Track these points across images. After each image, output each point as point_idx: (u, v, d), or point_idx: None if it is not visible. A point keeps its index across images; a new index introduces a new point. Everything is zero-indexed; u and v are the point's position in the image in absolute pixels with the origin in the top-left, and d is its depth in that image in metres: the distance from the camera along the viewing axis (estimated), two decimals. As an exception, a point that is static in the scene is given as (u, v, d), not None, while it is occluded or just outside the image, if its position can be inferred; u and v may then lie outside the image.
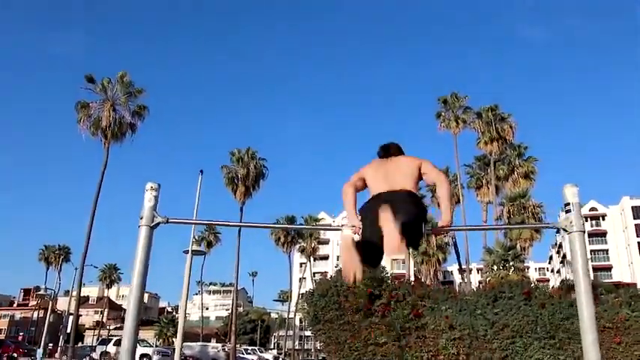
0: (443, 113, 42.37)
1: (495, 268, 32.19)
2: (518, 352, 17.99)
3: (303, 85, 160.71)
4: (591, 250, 73.83)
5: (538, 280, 63.77)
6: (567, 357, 17.65)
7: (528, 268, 77.43)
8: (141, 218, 2.59)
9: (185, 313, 12.29)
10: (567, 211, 2.47)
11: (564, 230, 2.48)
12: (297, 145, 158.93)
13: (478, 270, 59.72)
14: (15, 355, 27.47)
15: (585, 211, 77.46)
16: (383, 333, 18.71)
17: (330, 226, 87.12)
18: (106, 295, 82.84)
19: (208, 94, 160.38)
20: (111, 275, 75.72)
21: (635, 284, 27.61)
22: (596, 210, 78.00)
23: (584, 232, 2.46)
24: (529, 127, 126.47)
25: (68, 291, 76.03)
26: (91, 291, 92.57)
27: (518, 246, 36.02)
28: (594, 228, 76.96)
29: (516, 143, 42.70)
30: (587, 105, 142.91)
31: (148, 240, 2.58)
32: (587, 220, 77.35)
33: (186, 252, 12.56)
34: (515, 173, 41.46)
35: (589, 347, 2.32)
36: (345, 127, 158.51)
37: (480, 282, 45.26)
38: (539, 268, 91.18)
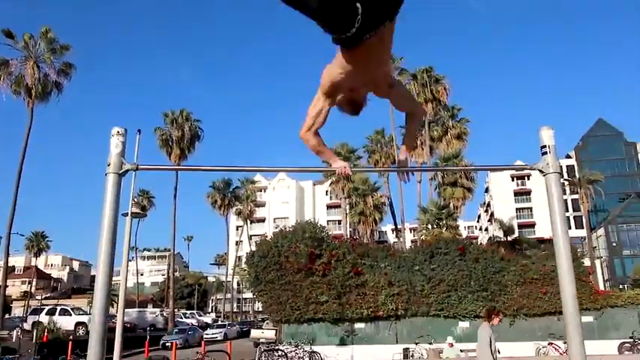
0: (379, 75, 42.58)
1: (430, 226, 33.29)
2: (454, 304, 18.88)
3: (235, 44, 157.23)
4: (517, 209, 77.60)
5: (468, 238, 66.66)
6: (498, 307, 18.69)
7: (458, 226, 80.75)
8: (108, 165, 2.41)
9: (126, 279, 11.97)
10: (544, 153, 2.52)
11: (540, 172, 2.53)
12: (233, 107, 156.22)
13: (411, 229, 61.60)
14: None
15: (512, 171, 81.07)
16: (324, 292, 19.13)
17: (266, 189, 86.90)
18: (33, 264, 79.59)
19: (139, 54, 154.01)
20: (38, 243, 72.57)
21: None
22: (522, 169, 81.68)
23: (560, 173, 2.52)
24: (462, 89, 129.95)
25: (-8, 261, 72.65)
26: (17, 260, 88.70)
27: (451, 205, 37.36)
28: (520, 187, 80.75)
29: (450, 105, 43.79)
30: (515, 67, 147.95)
31: (117, 188, 2.41)
32: (512, 180, 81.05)
33: (126, 214, 12.14)
34: (449, 134, 42.63)
35: (566, 286, 2.39)
36: (281, 91, 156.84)
37: (413, 241, 46.74)
38: (468, 226, 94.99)
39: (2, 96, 35.42)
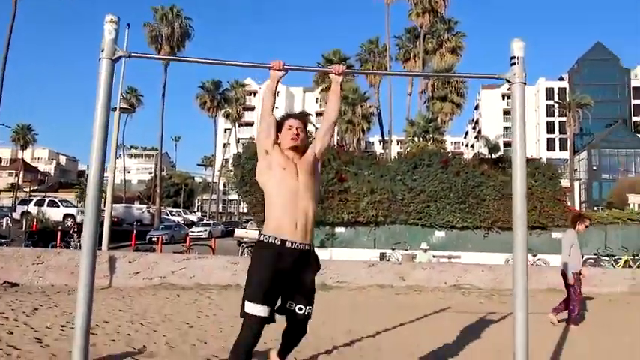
0: (377, -19, 41.20)
1: (416, 139, 33.60)
2: (432, 214, 19.60)
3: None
4: (504, 127, 77.95)
5: (453, 153, 67.32)
6: (474, 220, 19.47)
7: (445, 141, 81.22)
8: (102, 51, 2.53)
9: (114, 175, 12.25)
10: (513, 64, 2.67)
11: (507, 81, 2.69)
12: (225, 6, 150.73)
13: (399, 142, 62.05)
14: None
15: (504, 89, 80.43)
16: (308, 195, 19.70)
17: (256, 92, 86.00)
18: (20, 157, 79.60)
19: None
20: (25, 136, 72.23)
21: (540, 159, 29.85)
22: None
23: (525, 83, 2.69)
24: (461, 2, 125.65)
25: (-23, 151, 72.46)
26: (3, 152, 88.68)
27: (439, 119, 37.50)
28: (510, 106, 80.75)
29: (447, 17, 42.70)
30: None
31: (110, 74, 2.54)
32: (503, 98, 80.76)
33: (114, 109, 12.18)
34: (443, 48, 41.92)
35: (518, 190, 2.63)
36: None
37: (400, 153, 47.25)
38: (455, 142, 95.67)
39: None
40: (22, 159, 78.59)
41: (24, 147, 74.56)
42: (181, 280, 10.52)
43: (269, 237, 2.99)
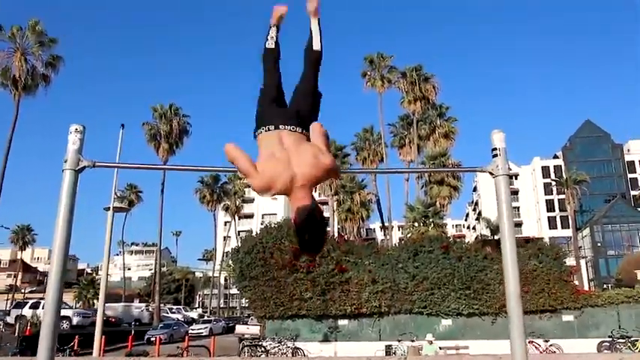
0: (369, 72, 42.74)
1: (416, 224, 33.45)
2: (437, 302, 19.01)
3: (222, 41, 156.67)
4: (504, 208, 78.20)
5: (455, 236, 66.99)
6: (481, 306, 18.86)
7: (446, 224, 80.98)
8: (65, 161, 2.43)
9: (107, 273, 11.96)
10: (494, 156, 2.57)
11: (490, 174, 2.58)
12: (221, 104, 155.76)
13: (400, 227, 61.78)
14: None
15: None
16: (308, 288, 19.20)
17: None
18: (19, 257, 78.94)
19: (128, 46, 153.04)
20: (24, 237, 72.00)
21: (542, 238, 29.55)
22: (510, 170, 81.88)
23: (509, 175, 2.58)
24: (451, 88, 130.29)
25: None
26: (2, 254, 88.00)
27: (437, 203, 37.53)
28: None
29: (438, 103, 43.93)
30: (504, 69, 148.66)
31: (73, 185, 2.43)
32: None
33: (108, 209, 12.10)
34: (437, 133, 42.77)
35: (511, 281, 2.45)
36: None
37: (401, 238, 46.93)
38: (456, 225, 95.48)
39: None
40: (22, 259, 77.87)
41: (23, 247, 74.10)
42: (175, 387, 9.98)
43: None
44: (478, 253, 19.71)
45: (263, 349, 17.76)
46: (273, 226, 21.46)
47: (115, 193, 12.74)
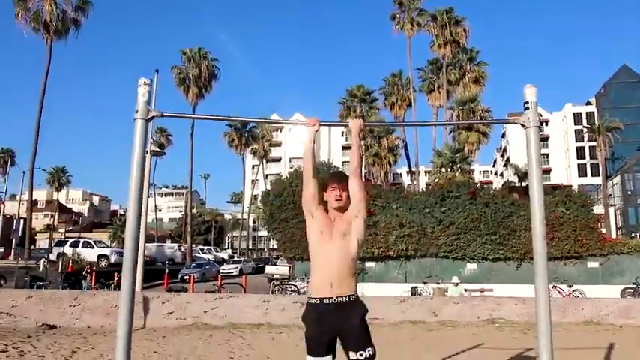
0: (398, 15, 41.85)
1: (443, 170, 33.48)
2: (462, 247, 19.38)
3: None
4: (533, 154, 77.17)
5: (482, 182, 66.71)
6: (506, 251, 19.17)
7: (473, 170, 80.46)
8: (136, 112, 2.73)
9: (146, 215, 12.58)
10: (526, 109, 2.76)
11: (522, 126, 2.78)
12: (251, 48, 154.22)
13: (426, 173, 61.79)
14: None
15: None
16: (336, 231, 19.72)
17: (282, 129, 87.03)
18: (55, 198, 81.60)
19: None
20: (59, 178, 74.16)
21: (570, 186, 29.38)
22: (541, 116, 79.28)
23: (539, 127, 2.77)
24: (481, 31, 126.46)
25: (16, 195, 74.49)
26: (39, 195, 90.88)
27: (465, 149, 37.36)
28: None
29: (469, 47, 42.96)
30: (536, 11, 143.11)
31: (144, 133, 2.74)
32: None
33: (145, 152, 12.59)
34: (466, 78, 42.04)
35: (537, 229, 2.69)
36: (297, 31, 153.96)
37: (427, 184, 47.02)
38: (484, 171, 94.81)
39: (23, 32, 35.58)
40: (57, 200, 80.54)
41: (59, 189, 76.46)
42: (214, 320, 10.62)
43: (311, 299, 3.32)
44: (505, 199, 19.84)
45: (294, 287, 18.47)
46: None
47: (152, 138, 13.18)
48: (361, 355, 3.23)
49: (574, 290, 17.47)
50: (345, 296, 3.26)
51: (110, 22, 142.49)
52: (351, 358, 3.25)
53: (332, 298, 3.22)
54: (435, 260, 19.53)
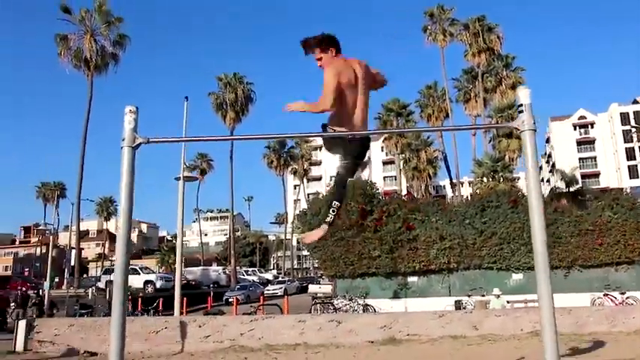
0: (429, 27, 41.66)
1: (485, 179, 32.83)
2: (506, 257, 18.84)
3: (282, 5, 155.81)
4: (580, 158, 74.79)
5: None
6: (552, 260, 18.45)
7: (518, 178, 78.54)
8: (123, 140, 2.75)
9: (182, 236, 12.75)
10: (520, 112, 2.65)
11: (516, 129, 2.67)
12: (285, 70, 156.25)
13: (470, 183, 60.69)
14: (23, 288, 28.38)
15: (574, 119, 77.63)
16: (376, 247, 19.50)
17: (321, 147, 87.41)
18: (105, 227, 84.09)
19: (187, 19, 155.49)
20: (107, 208, 76.52)
21: (621, 189, 28.29)
22: (585, 118, 78.10)
23: (534, 130, 2.64)
24: (516, 37, 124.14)
25: (67, 226, 77.26)
26: (90, 225, 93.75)
27: (506, 157, 36.57)
28: (583, 136, 77.48)
29: (504, 54, 42.27)
30: (574, 12, 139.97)
31: (131, 161, 2.74)
32: (575, 129, 77.80)
33: (178, 179, 12.84)
34: (503, 84, 41.30)
35: (538, 246, 2.56)
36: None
37: (472, 194, 46.13)
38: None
39: (65, 70, 37.14)
40: (107, 229, 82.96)
41: (107, 218, 78.81)
42: (250, 342, 10.58)
43: None
44: (548, 206, 19.25)
45: (333, 307, 18.33)
46: (339, 188, 21.71)
47: (184, 164, 13.41)
48: None
49: (627, 298, 16.71)
50: None
51: (146, 53, 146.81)
52: None
53: None
54: (479, 272, 19.07)
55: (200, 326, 10.94)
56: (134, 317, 15.31)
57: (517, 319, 10.92)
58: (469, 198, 23.82)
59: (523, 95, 2.64)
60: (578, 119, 77.79)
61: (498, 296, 14.47)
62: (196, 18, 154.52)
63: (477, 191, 31.70)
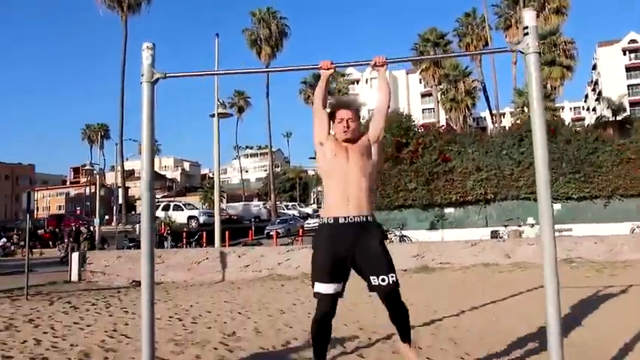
0: (469, -51, 39.60)
1: (526, 109, 32.01)
2: (544, 187, 18.64)
3: None
4: (629, 85, 71.55)
5: (573, 120, 62.92)
6: (592, 189, 18.29)
7: (563, 108, 75.94)
8: (142, 75, 2.89)
9: (219, 173, 13.13)
10: (525, 34, 2.64)
11: (521, 52, 2.66)
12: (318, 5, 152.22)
13: (511, 114, 59.23)
14: (76, 225, 29.89)
15: (624, 44, 73.68)
16: (412, 179, 19.60)
17: (358, 81, 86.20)
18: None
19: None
20: (150, 147, 78.31)
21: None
22: (636, 42, 73.96)
23: (539, 53, 2.63)
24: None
25: (114, 166, 79.61)
26: (136, 164, 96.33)
27: (548, 85, 35.34)
28: (632, 62, 73.66)
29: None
30: None
31: (151, 95, 2.89)
32: (625, 54, 73.93)
33: (213, 115, 13.06)
34: (546, 9, 39.24)
35: (540, 166, 2.60)
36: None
37: (510, 126, 45.09)
38: (574, 107, 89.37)
39: (99, 11, 37.37)
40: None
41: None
42: (287, 271, 11.06)
43: (324, 219, 3.15)
44: (588, 135, 18.81)
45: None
46: (374, 120, 21.66)
47: (218, 100, 13.59)
48: (383, 280, 2.97)
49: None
50: (365, 216, 3.08)
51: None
52: (373, 284, 3.01)
53: (349, 217, 3.03)
54: (516, 203, 18.97)
55: (239, 256, 11.45)
56: (177, 249, 16.09)
57: (550, 247, 11.01)
58: (506, 128, 23.43)
59: (528, 17, 2.62)
60: (629, 43, 73.71)
61: (532, 225, 14.49)
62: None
63: (518, 121, 31.01)
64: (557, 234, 12.96)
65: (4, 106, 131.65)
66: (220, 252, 11.38)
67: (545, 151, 2.60)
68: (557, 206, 18.72)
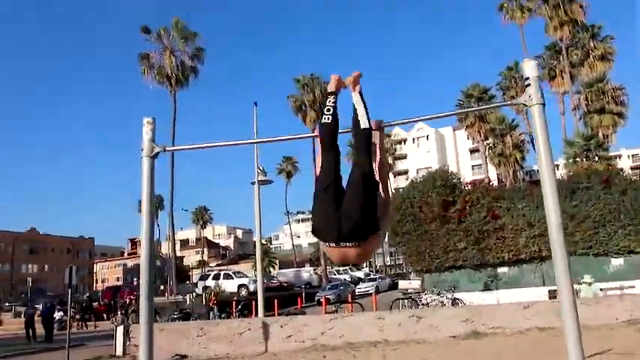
0: (506, 4, 39.96)
1: (578, 160, 31.04)
2: (602, 241, 17.69)
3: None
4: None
5: (633, 168, 60.57)
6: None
7: (620, 156, 73.21)
8: (142, 150, 2.89)
9: (260, 240, 13.12)
10: (527, 85, 2.50)
11: (524, 105, 2.52)
12: (358, 61, 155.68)
13: (564, 165, 57.59)
14: (131, 297, 30.32)
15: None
16: (461, 238, 19.00)
17: (405, 140, 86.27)
18: (203, 235, 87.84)
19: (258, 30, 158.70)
20: (202, 216, 79.72)
21: None
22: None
23: (543, 104, 2.48)
24: (601, 2, 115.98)
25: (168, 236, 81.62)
26: (190, 234, 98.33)
27: (600, 134, 34.29)
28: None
29: (589, 24, 39.62)
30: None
31: (150, 170, 2.88)
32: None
33: (253, 183, 13.19)
34: (591, 57, 38.67)
35: (552, 219, 2.39)
36: (400, 30, 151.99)
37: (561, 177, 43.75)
38: (633, 155, 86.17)
39: (149, 86, 39.35)
40: (205, 237, 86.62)
41: (203, 226, 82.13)
42: (331, 340, 10.68)
43: None
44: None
45: (416, 302, 18.11)
46: (419, 180, 21.43)
47: (258, 167, 13.78)
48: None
49: None
50: None
51: (220, 64, 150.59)
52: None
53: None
54: (575, 259, 17.95)
55: (282, 326, 11.18)
56: (220, 320, 15.92)
57: (610, 308, 10.31)
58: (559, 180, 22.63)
59: (528, 68, 2.49)
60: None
61: (590, 284, 13.61)
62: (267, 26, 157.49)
63: (570, 173, 30.03)
64: (618, 292, 12.18)
65: (68, 185, 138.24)
66: (263, 322, 11.15)
67: (556, 206, 2.41)
68: (619, 261, 17.68)
